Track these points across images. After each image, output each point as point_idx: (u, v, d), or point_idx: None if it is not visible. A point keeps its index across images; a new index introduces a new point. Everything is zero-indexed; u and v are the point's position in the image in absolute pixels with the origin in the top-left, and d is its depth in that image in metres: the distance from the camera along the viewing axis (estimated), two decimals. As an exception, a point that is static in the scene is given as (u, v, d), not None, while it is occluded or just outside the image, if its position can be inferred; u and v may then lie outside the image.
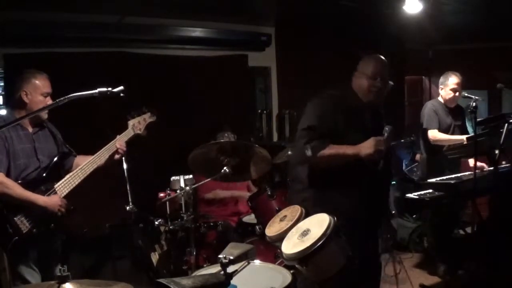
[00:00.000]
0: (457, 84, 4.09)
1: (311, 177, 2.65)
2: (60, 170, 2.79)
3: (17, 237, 2.52)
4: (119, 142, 2.91)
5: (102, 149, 2.85)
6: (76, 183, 2.73)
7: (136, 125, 3.04)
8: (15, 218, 2.52)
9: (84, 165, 2.76)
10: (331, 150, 2.50)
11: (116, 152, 2.89)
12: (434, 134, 4.07)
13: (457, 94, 4.10)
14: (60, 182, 2.69)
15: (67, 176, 2.72)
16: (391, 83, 2.68)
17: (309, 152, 2.46)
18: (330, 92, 2.71)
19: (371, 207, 2.62)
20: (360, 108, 2.69)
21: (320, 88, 2.75)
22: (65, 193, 2.70)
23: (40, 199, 2.59)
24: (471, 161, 3.92)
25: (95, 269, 3.70)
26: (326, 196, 2.58)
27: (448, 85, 4.11)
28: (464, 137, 3.94)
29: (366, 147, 2.46)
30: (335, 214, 2.17)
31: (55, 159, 2.78)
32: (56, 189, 2.67)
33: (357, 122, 2.64)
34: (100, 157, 2.82)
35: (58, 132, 2.96)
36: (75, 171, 2.74)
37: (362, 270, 2.37)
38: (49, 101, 2.74)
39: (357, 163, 2.50)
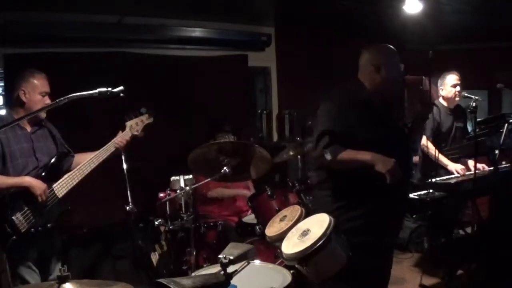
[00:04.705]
0: (456, 82, 4.08)
1: (340, 186, 2.49)
2: (58, 169, 2.79)
3: (15, 237, 2.51)
4: (119, 139, 2.91)
5: (101, 149, 2.85)
6: (74, 183, 2.73)
7: (134, 126, 3.04)
8: (13, 217, 2.51)
9: (82, 166, 2.76)
10: (348, 154, 2.36)
11: (117, 149, 2.91)
12: (423, 142, 3.96)
13: (457, 92, 4.09)
14: (58, 182, 2.69)
15: (65, 176, 2.72)
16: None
17: (328, 156, 2.37)
18: (342, 89, 2.58)
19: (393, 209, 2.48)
20: (374, 102, 2.50)
21: (319, 88, 2.71)
22: (63, 193, 2.70)
23: (25, 179, 2.59)
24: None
25: (95, 269, 3.70)
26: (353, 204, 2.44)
27: (447, 84, 4.09)
28: (449, 166, 3.84)
29: (382, 164, 2.27)
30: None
31: (53, 158, 2.77)
32: (54, 189, 2.67)
33: (373, 118, 2.46)
34: (98, 158, 2.82)
35: (57, 132, 2.96)
36: (73, 171, 2.74)
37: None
38: (47, 100, 2.75)
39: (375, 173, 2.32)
